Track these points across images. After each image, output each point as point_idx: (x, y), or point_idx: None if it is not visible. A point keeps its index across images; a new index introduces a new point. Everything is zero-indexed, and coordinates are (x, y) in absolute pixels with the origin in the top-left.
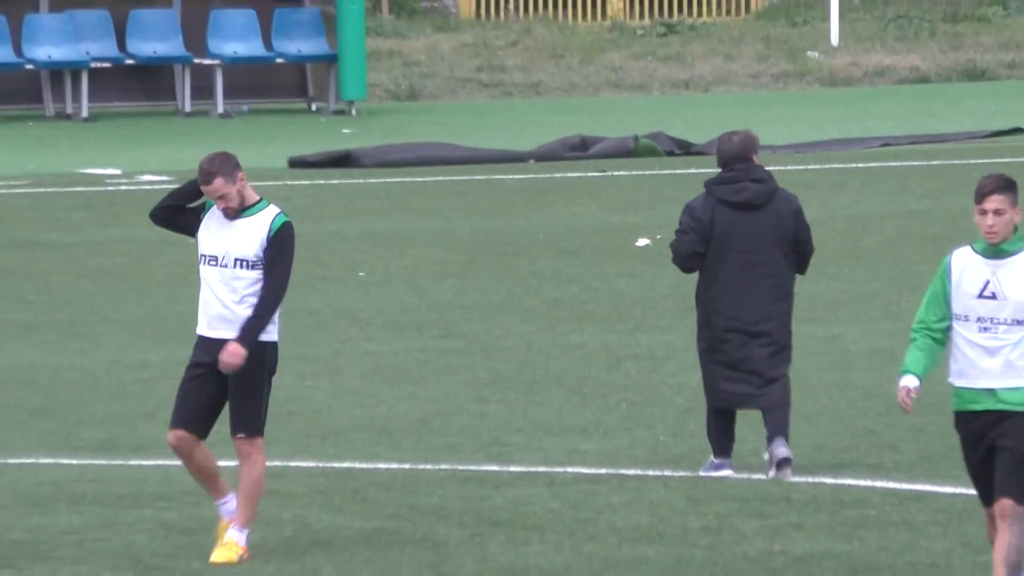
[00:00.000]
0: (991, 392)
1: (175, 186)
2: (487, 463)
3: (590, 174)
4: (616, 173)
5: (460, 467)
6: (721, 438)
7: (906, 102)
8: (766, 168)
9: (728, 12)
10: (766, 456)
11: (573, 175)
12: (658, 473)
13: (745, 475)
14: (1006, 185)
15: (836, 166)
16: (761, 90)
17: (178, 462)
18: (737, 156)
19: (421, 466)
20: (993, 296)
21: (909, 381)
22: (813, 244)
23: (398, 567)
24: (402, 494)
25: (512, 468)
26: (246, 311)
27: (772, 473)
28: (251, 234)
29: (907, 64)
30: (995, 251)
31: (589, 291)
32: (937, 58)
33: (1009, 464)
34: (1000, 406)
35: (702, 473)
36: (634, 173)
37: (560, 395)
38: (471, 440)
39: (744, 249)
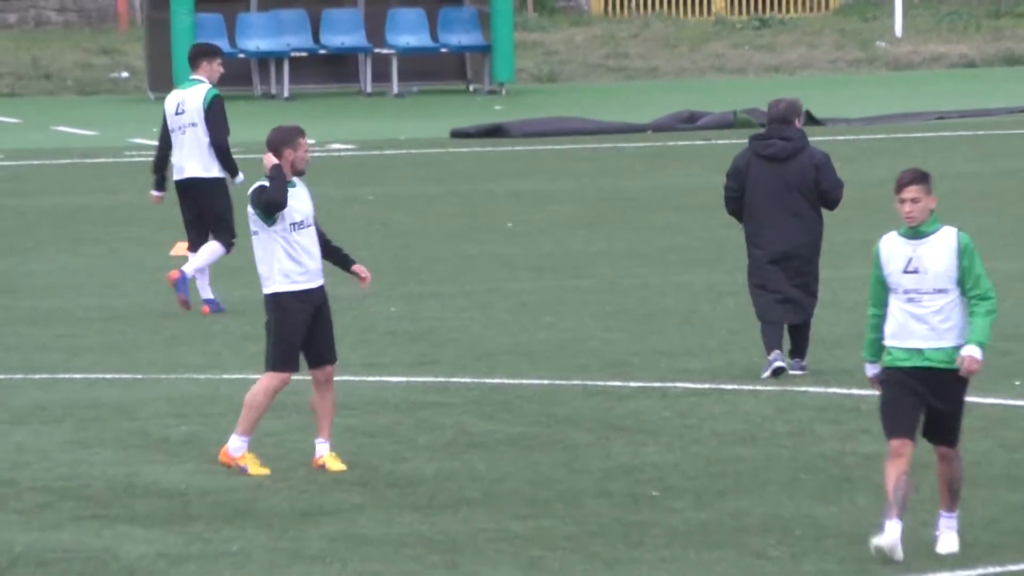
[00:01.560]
0: (919, 352)
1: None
2: (611, 379)
3: (697, 142)
4: (718, 142)
5: (589, 383)
6: (769, 339)
7: (957, 83)
8: (803, 130)
9: (811, 9)
10: (790, 363)
11: (683, 143)
12: (751, 388)
13: (822, 388)
14: (920, 177)
15: (899, 136)
16: (838, 73)
17: (366, 377)
18: (779, 118)
19: (557, 382)
20: (916, 271)
21: (869, 370)
22: (837, 193)
23: (538, 464)
24: (541, 405)
25: (632, 384)
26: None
27: (767, 374)
28: (308, 196)
29: (957, 52)
30: (915, 233)
31: (695, 239)
32: (982, 47)
33: (940, 421)
34: (926, 363)
35: (764, 374)
36: (733, 142)
37: (671, 324)
38: (598, 361)
39: (773, 193)
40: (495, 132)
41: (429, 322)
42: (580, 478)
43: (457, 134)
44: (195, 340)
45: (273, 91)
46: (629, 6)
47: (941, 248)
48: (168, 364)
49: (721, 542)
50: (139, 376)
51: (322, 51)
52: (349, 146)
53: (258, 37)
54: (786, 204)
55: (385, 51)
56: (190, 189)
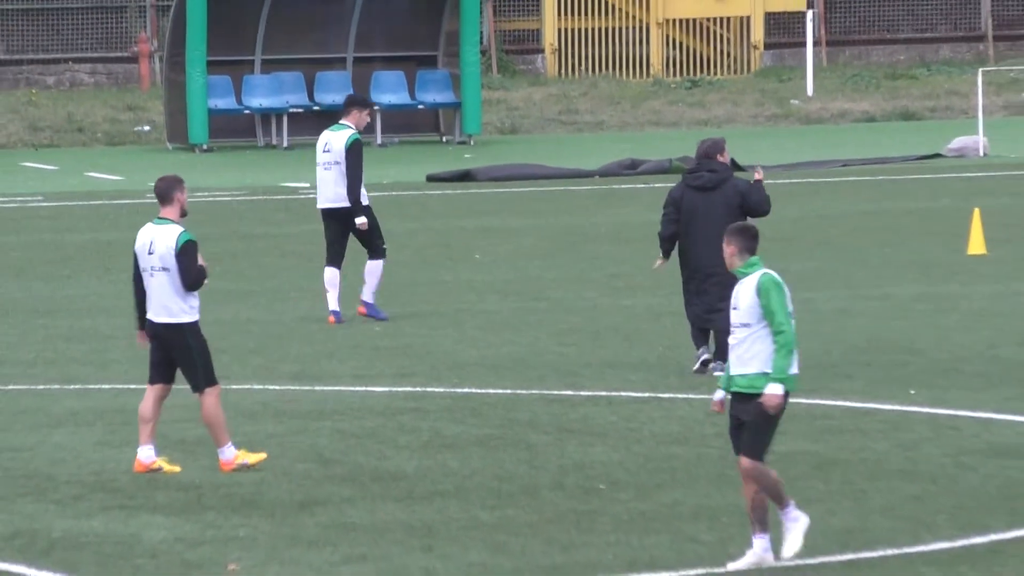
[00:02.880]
0: (731, 377)
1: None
2: (564, 389)
3: (638, 185)
4: (656, 185)
5: (545, 391)
6: (697, 340)
7: (859, 136)
8: (729, 166)
9: (735, 72)
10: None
11: (626, 186)
12: (684, 396)
13: None
14: (730, 232)
15: (811, 181)
16: (758, 127)
17: (354, 387)
18: (705, 154)
19: (518, 391)
20: (735, 307)
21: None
22: (765, 206)
23: (502, 462)
24: (505, 411)
25: (582, 392)
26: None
27: (696, 367)
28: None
29: (860, 109)
30: (735, 275)
31: (637, 268)
32: (881, 104)
33: (744, 433)
34: (735, 388)
35: (694, 368)
36: (669, 184)
37: (616, 341)
38: (553, 372)
39: (703, 217)
40: (465, 177)
41: (408, 339)
42: (538, 473)
43: (432, 178)
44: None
45: (274, 141)
46: (579, 69)
47: (749, 288)
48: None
49: (659, 528)
50: None
51: (316, 107)
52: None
53: (261, 96)
54: (715, 226)
55: None
56: (333, 216)
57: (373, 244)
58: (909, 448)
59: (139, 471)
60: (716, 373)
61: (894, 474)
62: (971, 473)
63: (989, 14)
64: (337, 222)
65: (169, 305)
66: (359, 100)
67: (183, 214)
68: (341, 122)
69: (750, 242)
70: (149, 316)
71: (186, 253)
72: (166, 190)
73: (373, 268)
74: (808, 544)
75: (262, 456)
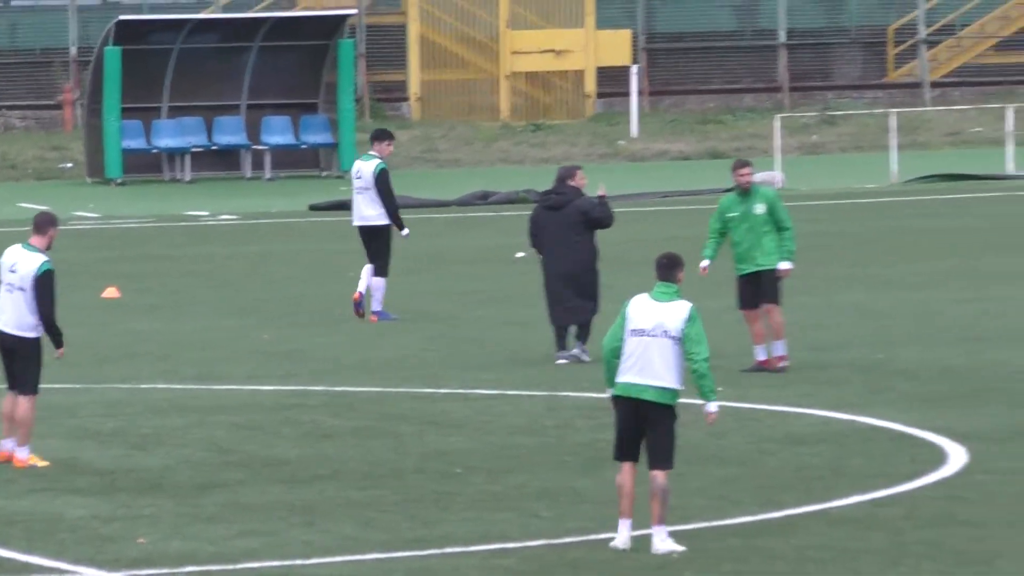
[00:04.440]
0: (641, 387)
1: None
2: (427, 387)
3: (489, 214)
4: (505, 213)
5: (411, 389)
6: (558, 339)
7: (676, 172)
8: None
9: (571, 117)
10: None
11: (479, 215)
12: (529, 393)
13: (580, 393)
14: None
15: (636, 209)
16: (591, 164)
17: (246, 386)
18: (559, 178)
19: (388, 389)
20: (659, 323)
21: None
22: (607, 221)
23: (373, 450)
24: (376, 406)
25: (442, 390)
26: None
27: (562, 360)
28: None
29: (676, 148)
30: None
31: (490, 285)
32: (694, 145)
33: (658, 446)
34: (647, 397)
35: (557, 361)
36: (515, 213)
37: (472, 347)
38: (418, 373)
39: (554, 231)
40: (342, 206)
41: (293, 344)
42: (404, 459)
43: (314, 207)
44: (121, 359)
45: (178, 176)
46: (440, 115)
47: (681, 312)
48: (99, 377)
49: (507, 507)
50: (79, 386)
51: (214, 147)
52: (234, 216)
53: (167, 137)
54: (563, 238)
55: (260, 147)
56: (363, 231)
57: (381, 262)
58: (718, 437)
59: (19, 467)
60: (582, 356)
61: (706, 459)
62: (770, 458)
63: (785, 68)
64: (366, 237)
65: (21, 321)
66: (383, 134)
67: (49, 247)
68: (370, 152)
69: (668, 272)
70: (1, 326)
71: (43, 281)
72: (43, 223)
73: (378, 283)
74: (637, 518)
75: (47, 463)
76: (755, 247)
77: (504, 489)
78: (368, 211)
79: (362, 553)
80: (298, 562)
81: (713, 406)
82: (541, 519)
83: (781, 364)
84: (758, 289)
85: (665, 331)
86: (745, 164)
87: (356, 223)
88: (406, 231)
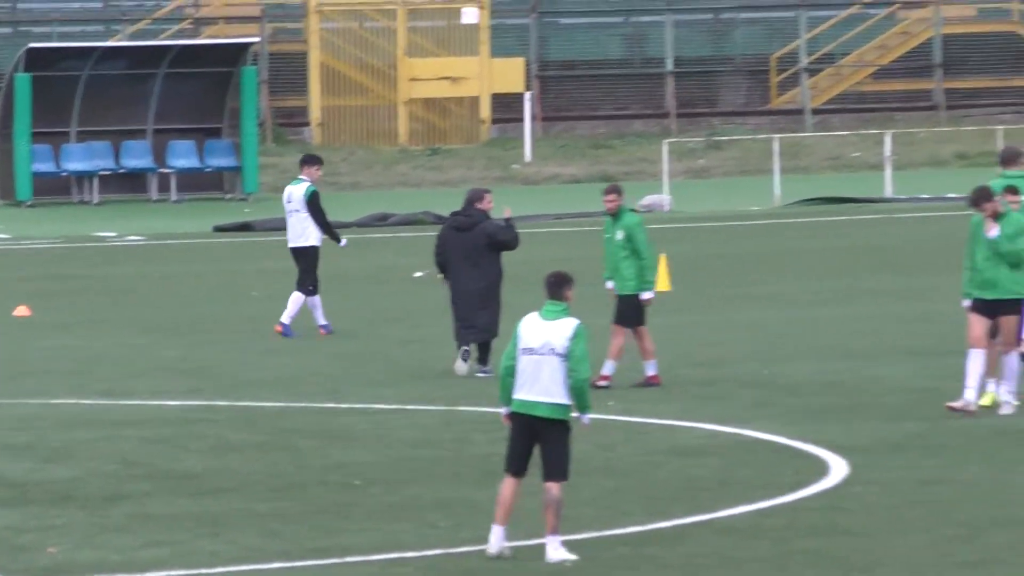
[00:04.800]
0: (532, 403)
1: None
2: (328, 403)
3: (388, 235)
4: (403, 234)
5: (312, 404)
6: (462, 356)
7: (567, 194)
8: (482, 213)
9: (468, 141)
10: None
11: (378, 236)
12: (426, 408)
13: (476, 407)
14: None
15: (530, 230)
16: (486, 187)
17: (153, 401)
18: (467, 201)
19: (290, 404)
20: (545, 342)
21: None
22: (511, 244)
23: (276, 463)
24: (278, 421)
25: (343, 405)
26: None
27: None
28: None
29: (568, 172)
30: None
31: (389, 303)
32: (585, 169)
33: (552, 457)
34: (538, 413)
35: (459, 372)
36: (414, 234)
37: (373, 363)
38: (319, 389)
39: (460, 252)
40: (245, 227)
41: (198, 362)
42: (306, 472)
43: (218, 228)
44: (33, 374)
45: (87, 198)
46: (340, 139)
47: (566, 329)
48: (11, 392)
49: (405, 517)
50: None
51: (122, 170)
52: (141, 237)
53: (76, 160)
54: (470, 258)
55: (167, 170)
56: (295, 253)
57: (305, 279)
58: (608, 449)
59: None
60: (482, 375)
61: (596, 471)
62: (659, 469)
63: (672, 95)
64: (296, 258)
65: None
66: (312, 159)
67: None
68: (299, 176)
69: (556, 290)
70: None
71: None
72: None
73: (296, 298)
74: (525, 527)
75: None
76: (616, 270)
77: (402, 500)
78: (299, 233)
79: (265, 562)
80: (203, 571)
81: (587, 418)
82: (438, 529)
83: (652, 381)
84: (623, 310)
85: (552, 349)
86: (611, 191)
87: (290, 245)
88: (343, 242)
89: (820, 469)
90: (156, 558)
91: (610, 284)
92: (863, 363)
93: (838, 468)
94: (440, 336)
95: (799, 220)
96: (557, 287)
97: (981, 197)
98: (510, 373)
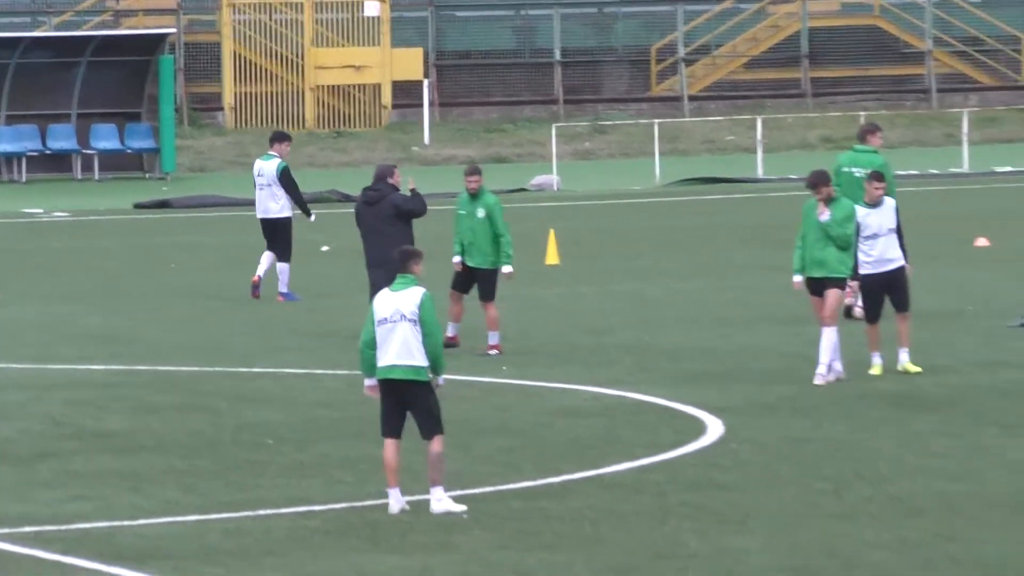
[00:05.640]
0: (394, 367)
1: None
2: (241, 367)
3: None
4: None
5: (227, 369)
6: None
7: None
8: (390, 186)
9: (370, 126)
10: None
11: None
12: (332, 372)
13: None
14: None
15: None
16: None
17: (79, 366)
18: (377, 177)
19: (206, 368)
20: (409, 310)
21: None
22: (417, 211)
23: (193, 423)
24: (195, 384)
25: (254, 369)
26: None
27: None
28: None
29: (464, 154)
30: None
31: (297, 274)
32: (480, 151)
33: (424, 417)
34: (399, 376)
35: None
36: (320, 211)
37: (285, 331)
38: (232, 354)
39: (371, 223)
40: (163, 204)
41: (120, 329)
42: (221, 432)
43: (139, 206)
44: None
45: (16, 178)
46: (251, 123)
47: (415, 297)
48: None
49: (313, 473)
50: None
51: (48, 151)
52: (66, 214)
53: (5, 142)
54: (379, 230)
55: (90, 152)
56: (265, 224)
57: (282, 250)
58: (502, 411)
59: None
60: None
61: (491, 431)
62: (548, 429)
63: (560, 83)
64: (268, 229)
65: None
66: (281, 136)
67: None
68: (269, 152)
69: (404, 264)
70: None
71: None
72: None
73: (282, 268)
74: (424, 485)
75: None
76: (474, 245)
77: (311, 458)
78: (271, 205)
79: (183, 515)
80: (125, 523)
81: (442, 379)
82: (344, 484)
83: (492, 352)
84: (470, 281)
85: (403, 315)
86: (474, 172)
87: (259, 216)
88: (313, 216)
89: (697, 429)
90: (81, 511)
91: (457, 259)
92: (737, 331)
93: (714, 428)
94: (345, 305)
95: (678, 199)
96: (404, 261)
97: (820, 181)
98: (369, 346)
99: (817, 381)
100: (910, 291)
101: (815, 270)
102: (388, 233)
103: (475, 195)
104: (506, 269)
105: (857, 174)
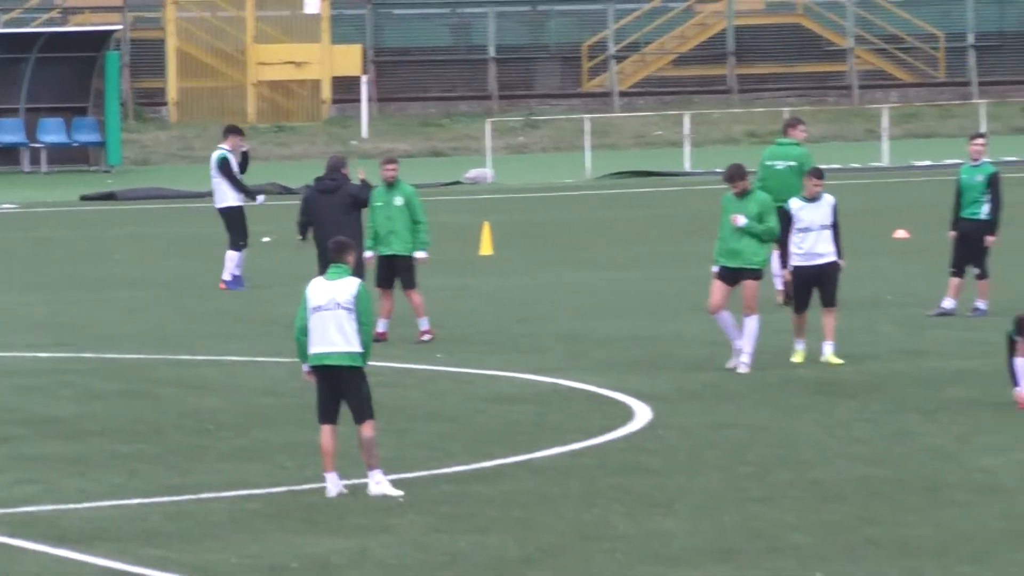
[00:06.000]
0: (328, 354)
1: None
2: (184, 354)
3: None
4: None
5: (169, 357)
6: None
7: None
8: (345, 176)
9: (311, 120)
10: None
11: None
12: (275, 360)
13: None
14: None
15: None
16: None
17: (27, 354)
18: (330, 167)
19: (149, 356)
20: (344, 298)
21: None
22: (364, 200)
23: (137, 409)
24: (139, 371)
25: (198, 357)
26: None
27: None
28: None
29: (402, 148)
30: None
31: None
32: (418, 144)
33: (355, 401)
34: (334, 362)
35: None
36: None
37: (227, 320)
38: (176, 342)
39: (327, 212)
40: (109, 197)
41: (68, 318)
42: (164, 417)
43: (85, 197)
44: None
45: None
46: (195, 117)
47: (352, 287)
48: None
49: (253, 457)
50: None
51: None
52: (15, 205)
53: None
54: (335, 218)
55: (38, 145)
56: (220, 214)
57: (232, 237)
58: (436, 397)
59: None
60: None
61: (425, 416)
62: (481, 415)
63: (495, 79)
64: (223, 218)
65: None
66: (233, 128)
67: None
68: (219, 146)
69: (338, 255)
70: None
71: None
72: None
73: (231, 255)
74: (361, 470)
75: None
76: (392, 233)
77: (251, 443)
78: (217, 196)
79: (127, 498)
80: (72, 506)
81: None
82: (284, 469)
83: (425, 337)
84: (392, 272)
85: (338, 303)
86: (390, 160)
87: (215, 206)
88: (260, 198)
89: (626, 415)
90: (29, 494)
91: (369, 254)
92: (665, 320)
93: (642, 414)
94: (287, 294)
95: (608, 192)
96: (339, 252)
97: (735, 175)
98: (303, 333)
99: (741, 370)
100: (839, 287)
101: (730, 260)
102: (343, 222)
103: (392, 184)
104: (420, 255)
105: (779, 167)
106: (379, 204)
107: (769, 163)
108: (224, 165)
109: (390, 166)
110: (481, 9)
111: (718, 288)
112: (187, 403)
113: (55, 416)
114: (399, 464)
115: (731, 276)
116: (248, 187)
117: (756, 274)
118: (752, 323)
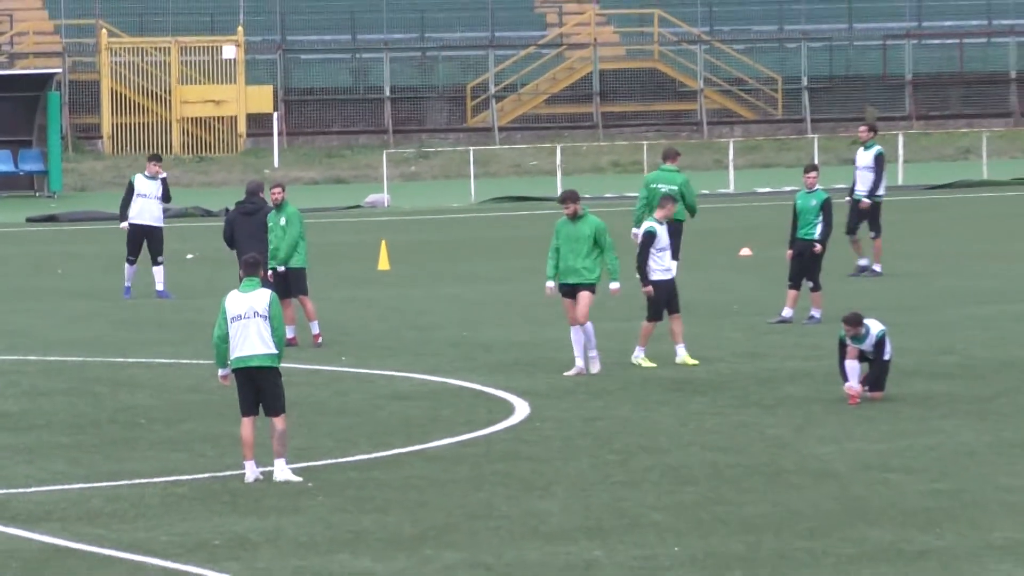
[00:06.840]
0: (250, 357)
1: None
2: (119, 357)
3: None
4: (177, 224)
5: (106, 359)
6: None
7: (309, 194)
8: (262, 199)
9: (228, 152)
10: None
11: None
12: (199, 362)
13: None
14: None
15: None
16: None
17: None
18: (250, 191)
19: (90, 359)
20: (261, 308)
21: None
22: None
23: (77, 405)
24: (81, 372)
25: (131, 359)
26: None
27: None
28: None
29: (309, 176)
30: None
31: (167, 280)
32: (323, 173)
33: (270, 399)
34: (255, 364)
35: None
36: (185, 224)
37: (156, 327)
38: (111, 347)
39: (248, 232)
40: (51, 219)
41: (15, 325)
42: (100, 412)
43: (30, 219)
44: None
45: None
46: (127, 149)
47: (265, 297)
48: None
49: (181, 447)
50: None
51: None
52: None
53: None
54: (255, 237)
55: None
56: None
57: (157, 255)
58: (342, 395)
59: None
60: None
61: (332, 411)
62: (381, 410)
63: (390, 116)
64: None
65: None
66: (154, 157)
67: None
68: (146, 173)
69: (252, 270)
70: None
71: None
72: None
73: (157, 271)
74: (267, 463)
75: None
76: (280, 249)
77: (178, 435)
78: (151, 215)
79: (69, 484)
80: (21, 490)
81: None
82: (207, 457)
83: (320, 339)
84: (285, 284)
85: (256, 312)
86: (277, 185)
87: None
88: (123, 225)
89: (508, 409)
90: None
91: (272, 270)
92: (540, 327)
93: (522, 408)
94: (209, 305)
95: (490, 214)
96: (253, 268)
97: (568, 198)
98: (224, 340)
99: (594, 369)
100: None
101: (569, 277)
102: (263, 239)
103: (279, 206)
104: (281, 268)
105: (663, 189)
106: (272, 224)
107: (654, 185)
108: (128, 189)
109: (277, 189)
110: (378, 54)
111: (569, 304)
112: (122, 400)
113: (5, 411)
114: (310, 453)
115: (569, 290)
116: (124, 212)
117: (591, 287)
118: (589, 328)
